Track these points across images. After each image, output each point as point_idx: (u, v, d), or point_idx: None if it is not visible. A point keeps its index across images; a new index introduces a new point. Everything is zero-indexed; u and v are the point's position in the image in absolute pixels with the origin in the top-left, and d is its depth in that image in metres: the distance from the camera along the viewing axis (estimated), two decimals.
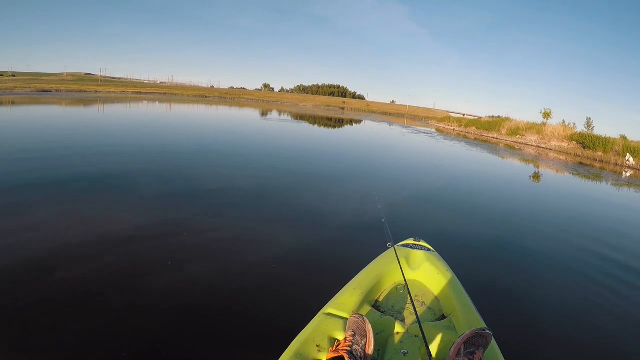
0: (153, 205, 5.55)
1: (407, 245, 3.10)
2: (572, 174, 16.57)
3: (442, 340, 1.97)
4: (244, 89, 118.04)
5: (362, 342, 1.72)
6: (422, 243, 3.17)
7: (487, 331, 1.74)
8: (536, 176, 14.35)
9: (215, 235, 4.55)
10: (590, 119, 35.91)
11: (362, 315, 1.87)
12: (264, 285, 3.48)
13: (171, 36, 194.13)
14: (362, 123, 37.46)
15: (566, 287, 4.31)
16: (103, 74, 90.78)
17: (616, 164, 22.49)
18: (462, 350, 1.66)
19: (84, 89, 46.44)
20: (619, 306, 3.94)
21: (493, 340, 1.83)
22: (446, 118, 49.40)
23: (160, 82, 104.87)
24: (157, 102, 35.50)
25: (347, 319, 1.94)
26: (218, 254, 4.06)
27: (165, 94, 55.86)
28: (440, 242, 3.71)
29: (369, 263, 2.75)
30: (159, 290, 3.23)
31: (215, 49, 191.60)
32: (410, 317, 2.21)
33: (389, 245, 2.85)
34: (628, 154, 22.60)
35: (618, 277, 4.78)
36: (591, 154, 24.95)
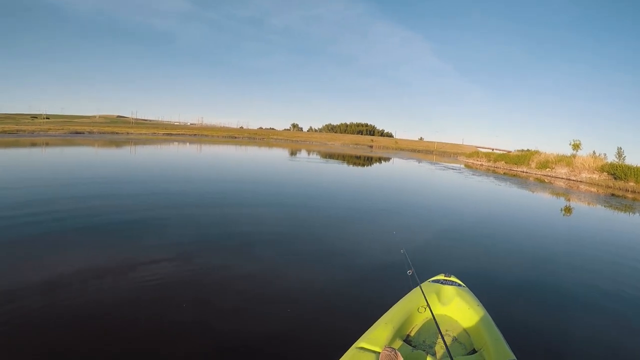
0: (181, 247, 5.64)
1: (437, 281, 3.15)
2: (605, 206, 16.40)
3: None
4: (273, 129, 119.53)
5: None
6: (453, 278, 3.23)
7: None
8: (567, 209, 14.22)
9: (243, 273, 4.71)
10: (621, 148, 35.48)
11: (394, 349, 1.91)
12: (298, 323, 3.51)
13: (201, 79, 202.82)
14: (391, 161, 37.55)
15: (598, 325, 4.24)
16: (134, 116, 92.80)
17: None
18: None
19: (116, 130, 47.64)
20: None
21: None
22: (474, 153, 49.41)
23: (190, 124, 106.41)
24: (188, 144, 36.09)
25: (379, 352, 2.00)
26: (247, 293, 4.17)
27: (195, 135, 56.72)
28: (471, 278, 3.74)
29: (398, 299, 2.81)
30: (191, 328, 3.34)
31: (243, 90, 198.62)
32: (441, 351, 2.27)
33: (410, 273, 2.94)
34: None
35: None
36: (623, 184, 24.81)
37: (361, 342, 2.18)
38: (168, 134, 53.28)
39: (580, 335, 3.93)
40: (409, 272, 3.04)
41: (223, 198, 9.80)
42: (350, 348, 2.15)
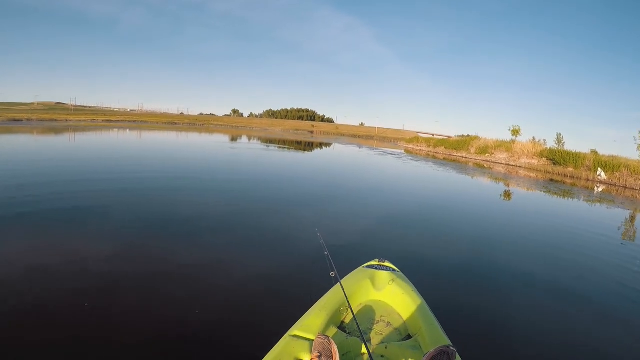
0: (117, 233, 5.53)
1: (371, 267, 3.17)
2: (543, 191, 16.58)
3: (408, 359, 2.00)
4: (214, 114, 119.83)
5: None
6: (387, 264, 3.25)
7: (451, 348, 1.78)
8: (506, 194, 14.27)
9: (180, 261, 4.62)
10: (560, 134, 36.98)
11: (328, 337, 1.90)
12: (226, 313, 3.50)
13: (141, 64, 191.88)
14: (332, 146, 37.45)
15: (535, 309, 4.34)
16: (74, 103, 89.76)
17: (587, 180, 22.81)
18: None
19: (55, 117, 46.01)
20: (585, 323, 4.16)
21: (458, 357, 1.85)
22: (415, 139, 49.94)
23: (130, 110, 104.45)
24: (128, 130, 34.56)
25: (312, 340, 1.97)
26: (186, 281, 4.11)
27: (135, 121, 55.54)
28: (406, 263, 3.80)
29: (332, 286, 2.74)
30: (120, 320, 3.26)
31: (184, 76, 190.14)
32: (376, 338, 2.29)
33: (332, 274, 2.78)
34: (599, 168, 23.00)
35: (584, 295, 4.97)
36: (562, 170, 25.31)
37: (294, 330, 2.16)
38: (107, 120, 51.77)
39: (517, 319, 4.03)
40: (332, 274, 2.83)
41: (162, 187, 9.31)
42: (284, 336, 2.12)
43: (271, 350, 2.00)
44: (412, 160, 26.70)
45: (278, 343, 2.07)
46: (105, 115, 64.44)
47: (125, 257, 4.61)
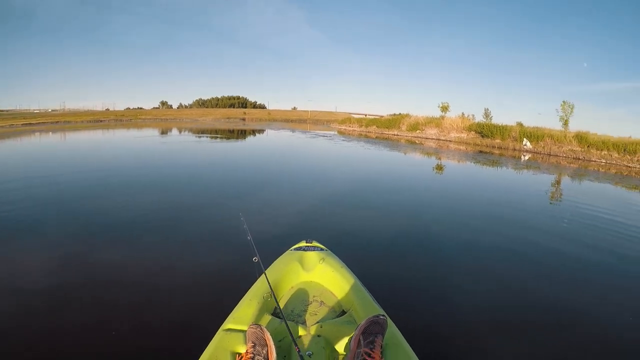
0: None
1: (299, 249, 3.17)
2: (474, 162, 16.94)
3: (344, 335, 2.04)
4: (141, 108, 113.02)
5: (264, 351, 1.78)
6: (315, 244, 3.24)
7: (381, 317, 1.86)
8: (438, 168, 14.37)
9: (117, 263, 4.44)
10: (488, 109, 38.24)
11: (260, 325, 1.95)
12: (156, 316, 3.34)
13: (61, 59, 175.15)
14: (264, 133, 36.38)
15: (466, 278, 4.38)
16: None
17: (514, 149, 23.91)
18: (362, 341, 1.75)
19: None
20: (520, 279, 4.40)
21: (393, 325, 2.00)
22: (347, 119, 49.96)
23: (52, 110, 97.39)
24: (50, 133, 30.76)
25: (245, 331, 1.98)
26: (121, 284, 3.92)
27: (57, 122, 51.32)
28: (337, 241, 4.02)
29: (262, 272, 2.69)
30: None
31: (109, 69, 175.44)
32: (311, 319, 2.32)
33: (255, 260, 2.74)
34: (525, 139, 24.16)
35: (518, 254, 5.23)
36: (490, 142, 26.34)
37: (228, 324, 2.14)
38: (27, 123, 46.95)
39: (451, 283, 4.14)
40: (254, 259, 2.72)
41: (83, 191, 8.40)
42: (218, 331, 2.10)
43: (206, 348, 1.95)
44: (344, 140, 26.53)
45: (213, 339, 2.04)
46: (25, 118, 59.51)
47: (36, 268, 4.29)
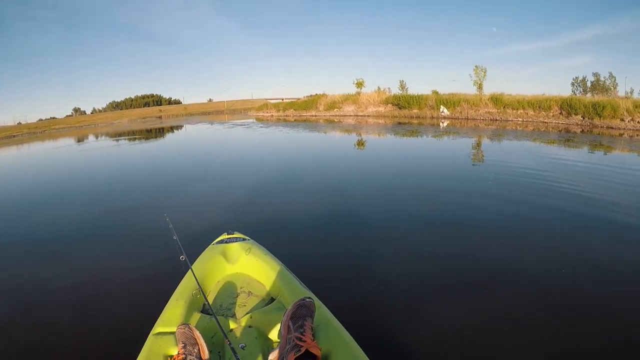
0: None
1: (221, 242, 3.13)
2: (393, 134, 16.89)
3: (275, 323, 2.03)
4: (54, 118, 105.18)
5: (195, 350, 1.75)
6: (237, 235, 3.22)
7: (307, 299, 1.82)
8: (359, 143, 14.21)
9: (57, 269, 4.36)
10: (403, 81, 39.01)
11: (188, 324, 1.90)
12: (84, 328, 3.18)
13: None
14: (182, 128, 34.82)
15: (393, 251, 4.29)
16: None
17: (432, 117, 24.49)
18: (292, 327, 1.72)
19: None
20: (451, 243, 4.37)
21: (322, 305, 1.99)
22: (264, 106, 48.94)
23: None
24: None
25: (174, 333, 1.96)
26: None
27: None
28: (259, 230, 4.15)
29: (187, 270, 2.63)
30: None
31: (13, 81, 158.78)
32: (240, 310, 2.30)
33: (182, 258, 2.62)
34: (442, 106, 24.79)
35: (446, 219, 5.26)
36: (408, 112, 26.76)
37: (157, 327, 2.06)
38: None
39: (378, 263, 4.02)
40: (182, 249, 2.67)
41: (9, 210, 7.86)
42: (149, 336, 2.00)
43: (139, 355, 1.84)
44: (262, 127, 25.57)
45: (144, 345, 1.92)
46: None
47: None
